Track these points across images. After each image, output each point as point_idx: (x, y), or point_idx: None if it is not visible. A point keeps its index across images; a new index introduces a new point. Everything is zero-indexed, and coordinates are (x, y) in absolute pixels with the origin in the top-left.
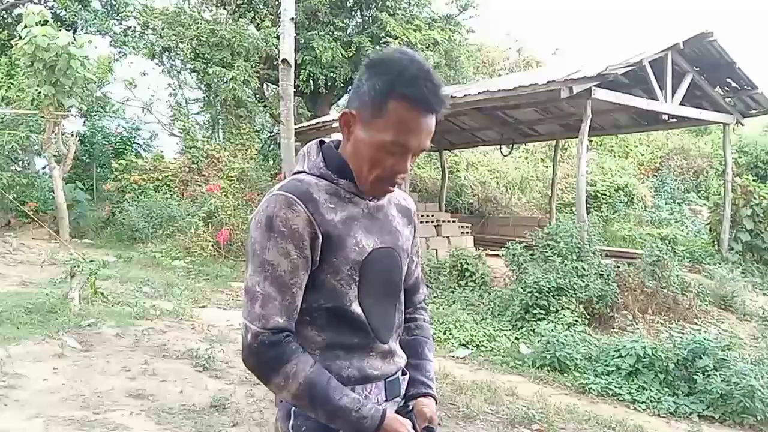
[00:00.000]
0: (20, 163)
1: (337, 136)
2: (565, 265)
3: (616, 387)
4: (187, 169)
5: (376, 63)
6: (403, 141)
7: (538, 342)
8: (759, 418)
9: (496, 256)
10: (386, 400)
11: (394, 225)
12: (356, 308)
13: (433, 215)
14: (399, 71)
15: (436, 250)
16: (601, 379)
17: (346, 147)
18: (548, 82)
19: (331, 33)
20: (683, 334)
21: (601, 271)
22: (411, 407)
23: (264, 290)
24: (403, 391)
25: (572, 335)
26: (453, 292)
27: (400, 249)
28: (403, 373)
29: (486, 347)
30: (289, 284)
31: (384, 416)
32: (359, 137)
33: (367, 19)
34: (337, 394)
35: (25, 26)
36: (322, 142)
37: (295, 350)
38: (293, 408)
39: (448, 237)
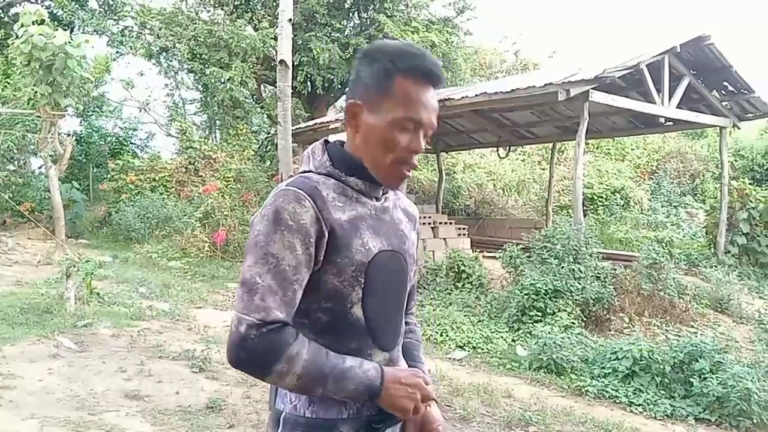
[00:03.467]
0: (16, 162)
1: (336, 137)
2: (562, 267)
3: (612, 389)
4: (184, 170)
5: (372, 50)
6: (414, 115)
7: (535, 344)
8: (755, 420)
9: (493, 258)
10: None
11: (401, 228)
12: (357, 311)
13: (429, 217)
14: (398, 51)
15: (433, 251)
16: (598, 381)
17: (355, 140)
18: (545, 84)
19: (328, 34)
20: (680, 336)
21: (598, 273)
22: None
23: (265, 282)
24: None
25: (569, 337)
26: (450, 294)
27: (407, 254)
28: None
29: (483, 349)
30: (291, 279)
31: (383, 369)
32: (369, 124)
33: (364, 20)
34: (339, 358)
35: (22, 25)
36: (326, 142)
37: (293, 334)
38: (283, 414)
39: (444, 239)
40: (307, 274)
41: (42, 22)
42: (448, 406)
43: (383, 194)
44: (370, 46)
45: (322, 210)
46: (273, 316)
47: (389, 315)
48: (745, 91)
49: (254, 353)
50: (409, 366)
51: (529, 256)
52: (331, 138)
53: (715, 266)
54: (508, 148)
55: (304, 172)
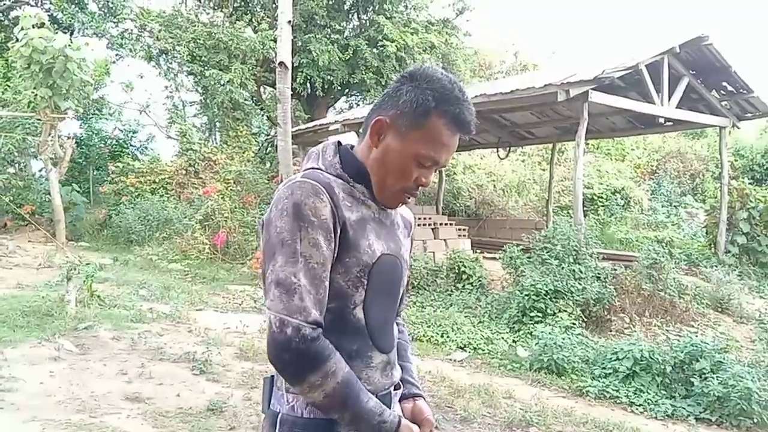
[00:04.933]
0: (16, 165)
1: (345, 139)
2: (562, 268)
3: (613, 390)
4: (184, 172)
5: (418, 76)
6: (436, 156)
7: (536, 345)
8: (756, 420)
9: (494, 258)
10: None
11: (398, 234)
12: (359, 313)
13: (430, 218)
14: (443, 89)
15: (434, 252)
16: (599, 381)
17: (370, 153)
18: (545, 85)
19: (328, 36)
20: (680, 336)
21: (598, 273)
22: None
23: (301, 282)
24: (394, 406)
25: (569, 338)
26: (450, 295)
27: (402, 259)
28: (396, 388)
29: (483, 350)
30: (321, 277)
31: (400, 422)
32: (391, 146)
33: (364, 22)
34: (366, 396)
35: (22, 28)
36: (339, 143)
37: (332, 348)
38: (280, 415)
39: (445, 240)
40: (330, 269)
41: (42, 25)
42: (449, 407)
43: None
44: (418, 70)
45: (337, 206)
46: (312, 317)
47: (387, 317)
48: (744, 91)
49: (297, 357)
50: (401, 365)
51: (529, 257)
52: (343, 140)
53: (716, 266)
54: (508, 148)
55: (312, 168)
